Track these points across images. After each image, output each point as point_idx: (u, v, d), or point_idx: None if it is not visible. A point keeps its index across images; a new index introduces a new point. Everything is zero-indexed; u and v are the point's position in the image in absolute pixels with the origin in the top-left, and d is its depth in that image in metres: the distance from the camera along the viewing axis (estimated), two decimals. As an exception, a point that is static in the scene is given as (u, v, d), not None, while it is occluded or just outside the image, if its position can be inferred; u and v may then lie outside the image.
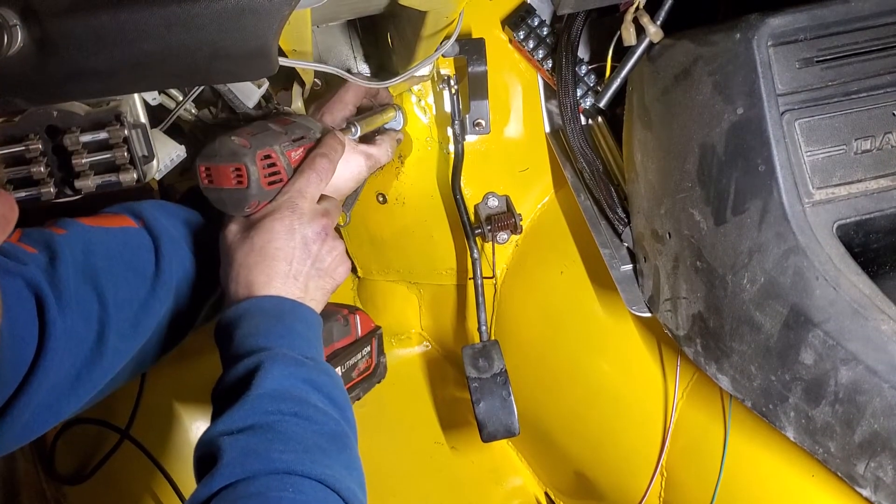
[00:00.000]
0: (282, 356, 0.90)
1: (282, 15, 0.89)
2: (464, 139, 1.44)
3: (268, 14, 0.88)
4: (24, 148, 1.00)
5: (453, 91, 1.41)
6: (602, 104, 1.33)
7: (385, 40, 1.42)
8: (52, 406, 0.92)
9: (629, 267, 1.35)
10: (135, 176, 1.01)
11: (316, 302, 1.02)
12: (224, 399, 0.88)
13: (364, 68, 1.58)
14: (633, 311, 1.32)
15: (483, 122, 1.44)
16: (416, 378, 1.83)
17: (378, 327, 1.29)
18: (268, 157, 1.01)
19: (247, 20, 0.88)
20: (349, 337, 1.22)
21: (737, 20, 1.06)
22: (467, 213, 1.49)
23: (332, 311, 1.19)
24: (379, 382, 1.31)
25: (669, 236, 1.19)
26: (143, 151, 1.03)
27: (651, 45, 1.24)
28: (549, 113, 1.51)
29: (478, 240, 1.50)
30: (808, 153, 1.03)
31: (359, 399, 1.25)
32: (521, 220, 1.50)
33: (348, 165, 1.16)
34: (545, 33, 1.41)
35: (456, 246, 1.61)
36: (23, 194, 1.01)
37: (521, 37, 1.41)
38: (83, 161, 0.99)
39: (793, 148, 1.03)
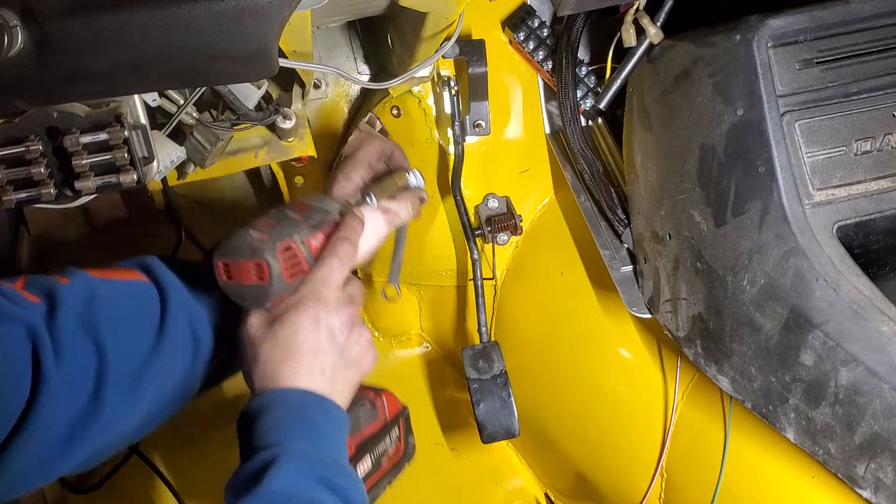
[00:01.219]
0: (300, 452, 0.87)
1: (282, 16, 0.89)
2: (464, 140, 1.44)
3: (268, 15, 0.89)
4: (24, 149, 1.00)
5: (453, 92, 1.41)
6: (602, 105, 1.33)
7: (385, 41, 1.42)
8: (43, 462, 0.88)
9: (629, 268, 1.35)
10: (135, 177, 1.01)
11: (342, 397, 0.98)
12: (236, 491, 0.85)
13: (364, 69, 1.58)
14: (633, 313, 1.32)
15: (483, 124, 1.44)
16: (416, 379, 1.83)
17: (405, 407, 1.22)
18: (288, 248, 0.97)
19: (247, 21, 0.88)
20: (377, 422, 1.16)
21: (737, 21, 1.06)
22: (467, 215, 1.49)
23: (358, 396, 1.14)
24: (409, 462, 1.26)
25: (669, 237, 1.19)
26: (143, 153, 1.03)
27: (651, 46, 1.24)
28: (550, 114, 1.51)
29: (478, 241, 1.50)
30: (809, 154, 1.03)
31: (390, 484, 1.20)
32: (521, 221, 1.49)
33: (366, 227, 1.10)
34: (545, 34, 1.41)
35: (456, 247, 1.61)
36: (23, 195, 1.01)
37: (522, 38, 1.41)
38: (83, 162, 0.99)
39: (793, 149, 1.03)
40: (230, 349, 1.02)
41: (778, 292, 1.04)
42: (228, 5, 0.87)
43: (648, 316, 1.31)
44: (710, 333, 1.14)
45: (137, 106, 1.05)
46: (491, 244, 1.52)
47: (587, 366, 1.52)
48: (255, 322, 0.97)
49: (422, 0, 1.04)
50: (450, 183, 1.48)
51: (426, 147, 1.51)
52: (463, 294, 1.67)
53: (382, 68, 1.57)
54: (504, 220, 1.50)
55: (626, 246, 1.35)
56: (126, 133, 1.00)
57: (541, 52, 1.42)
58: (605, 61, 1.35)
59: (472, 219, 1.51)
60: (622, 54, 1.29)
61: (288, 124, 1.33)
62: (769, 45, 1.03)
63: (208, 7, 0.87)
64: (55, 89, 0.91)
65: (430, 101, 1.49)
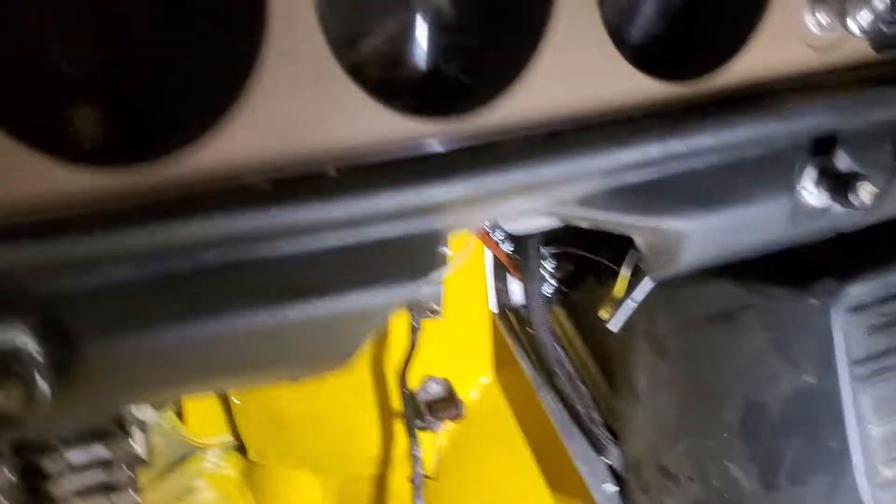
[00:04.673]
0: None
1: (383, 318, 0.69)
2: (419, 327, 1.26)
3: (368, 320, 0.68)
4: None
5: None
6: (616, 329, 1.21)
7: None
8: None
9: (614, 489, 1.24)
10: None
11: None
12: None
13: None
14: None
15: (436, 308, 1.28)
16: None
17: None
18: None
19: (342, 326, 0.68)
20: None
21: (809, 283, 0.97)
22: (413, 406, 1.31)
23: None
24: None
25: (691, 480, 1.09)
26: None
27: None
28: (498, 291, 1.36)
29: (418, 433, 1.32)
30: (878, 425, 0.98)
31: None
32: (463, 407, 1.34)
33: None
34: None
35: (382, 431, 1.41)
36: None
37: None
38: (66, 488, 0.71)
39: (863, 423, 0.97)
40: None
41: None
42: (323, 309, 0.65)
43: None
44: None
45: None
46: (427, 432, 1.35)
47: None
48: None
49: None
50: (373, 359, 1.30)
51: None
52: (383, 485, 1.45)
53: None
54: (445, 408, 1.34)
55: (606, 462, 1.24)
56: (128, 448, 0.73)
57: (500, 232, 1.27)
58: (570, 244, 1.23)
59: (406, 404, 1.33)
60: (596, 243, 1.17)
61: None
62: (846, 311, 0.96)
63: (302, 311, 0.64)
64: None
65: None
